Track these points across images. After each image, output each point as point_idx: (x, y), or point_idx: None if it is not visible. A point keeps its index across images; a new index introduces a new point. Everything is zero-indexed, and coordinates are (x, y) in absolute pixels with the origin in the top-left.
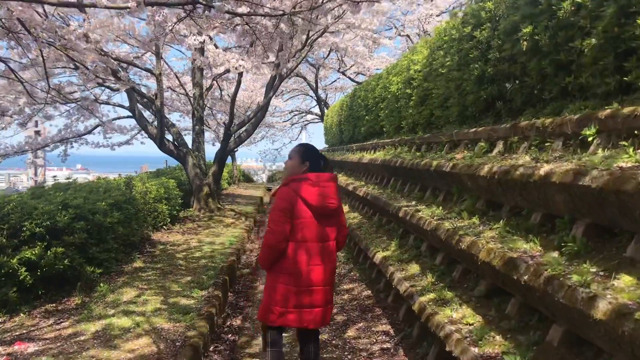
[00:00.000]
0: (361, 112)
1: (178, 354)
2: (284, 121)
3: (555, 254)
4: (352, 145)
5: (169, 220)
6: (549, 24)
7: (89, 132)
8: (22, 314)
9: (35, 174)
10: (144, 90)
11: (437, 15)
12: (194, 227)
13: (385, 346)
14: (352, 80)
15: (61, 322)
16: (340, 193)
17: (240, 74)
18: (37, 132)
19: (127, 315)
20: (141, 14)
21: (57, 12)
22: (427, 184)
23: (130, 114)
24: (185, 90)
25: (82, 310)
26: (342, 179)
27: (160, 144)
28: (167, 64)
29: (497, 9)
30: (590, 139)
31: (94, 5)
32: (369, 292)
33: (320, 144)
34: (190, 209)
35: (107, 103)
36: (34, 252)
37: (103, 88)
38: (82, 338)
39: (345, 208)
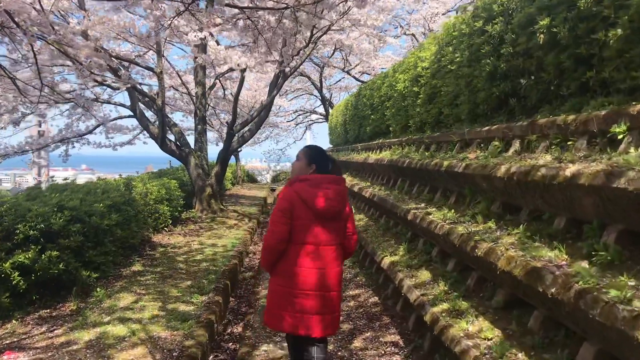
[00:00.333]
0: (367, 112)
1: None
2: (288, 121)
3: (585, 264)
4: (357, 145)
5: (170, 221)
6: (568, 16)
7: (90, 132)
8: (14, 321)
9: (39, 174)
10: (146, 89)
11: (443, 14)
12: (196, 229)
13: (394, 359)
14: (357, 79)
15: (54, 330)
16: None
17: (244, 71)
18: (41, 132)
19: (123, 323)
20: (139, 9)
21: (57, 10)
22: (437, 185)
23: (131, 114)
24: (187, 89)
25: (76, 317)
26: (348, 179)
27: (162, 143)
28: (169, 62)
29: (511, 2)
30: (620, 136)
31: None
32: (376, 298)
33: (324, 143)
34: (193, 210)
35: (108, 102)
36: (27, 256)
37: (104, 87)
38: (75, 347)
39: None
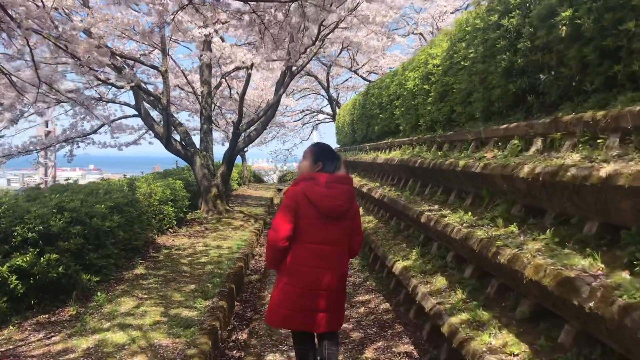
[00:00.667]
0: (375, 111)
1: None
2: (294, 121)
3: (626, 275)
4: (365, 145)
5: (175, 222)
6: (593, 6)
7: (95, 132)
8: (11, 326)
9: (46, 174)
10: (152, 89)
11: (452, 12)
12: (201, 230)
13: None
14: (364, 79)
15: (52, 337)
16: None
17: (250, 68)
18: (46, 132)
19: (123, 330)
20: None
21: (61, 8)
22: (452, 186)
23: (136, 113)
24: (193, 88)
25: (75, 323)
26: (356, 180)
27: (167, 143)
28: (174, 61)
29: None
30: None
31: None
32: (387, 305)
33: (332, 143)
34: (198, 211)
35: (113, 101)
36: (25, 259)
37: (109, 87)
38: (72, 356)
39: (359, 211)
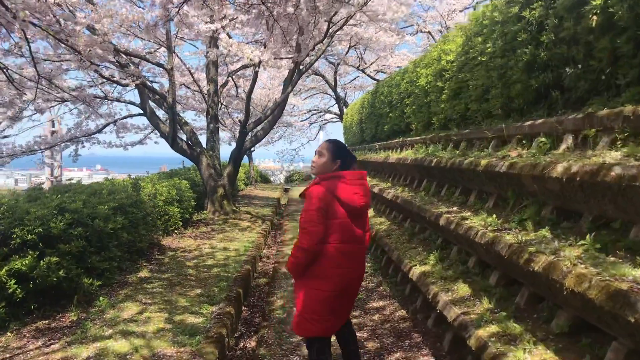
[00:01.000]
0: (384, 109)
1: None
2: (302, 120)
3: None
4: (374, 145)
5: (180, 224)
6: None
7: (99, 131)
8: (9, 333)
9: (52, 174)
10: (158, 88)
11: (460, 11)
12: (208, 231)
13: None
14: (372, 78)
15: (51, 344)
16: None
17: (258, 65)
18: (52, 132)
19: (125, 337)
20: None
21: (66, 5)
22: (471, 187)
23: (141, 112)
24: (199, 87)
25: (76, 329)
26: None
27: (173, 143)
28: (180, 58)
29: None
30: None
31: None
32: (403, 312)
33: None
34: (204, 212)
35: (118, 100)
36: (24, 263)
37: (114, 85)
38: None
39: (370, 212)
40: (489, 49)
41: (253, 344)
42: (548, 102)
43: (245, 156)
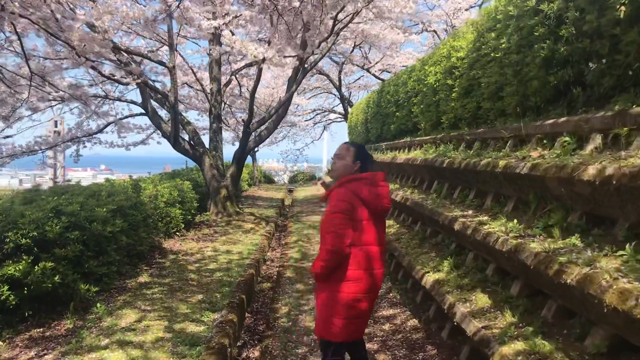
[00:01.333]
0: (391, 109)
1: None
2: (306, 120)
3: None
4: (380, 145)
5: (182, 226)
6: None
7: (101, 131)
8: (1, 342)
9: (55, 175)
10: (160, 87)
11: (466, 9)
12: (210, 234)
13: None
14: (377, 77)
15: (44, 355)
16: None
17: (263, 62)
18: (57, 132)
19: (122, 348)
20: None
21: (65, 1)
22: (487, 189)
23: (143, 111)
24: (202, 85)
25: (71, 338)
26: None
27: (175, 142)
28: (182, 57)
29: None
30: None
31: None
32: (416, 321)
33: None
34: (207, 213)
35: (119, 99)
36: (18, 268)
37: (116, 85)
38: None
39: None
40: (503, 45)
41: (257, 353)
42: (567, 99)
43: (248, 156)
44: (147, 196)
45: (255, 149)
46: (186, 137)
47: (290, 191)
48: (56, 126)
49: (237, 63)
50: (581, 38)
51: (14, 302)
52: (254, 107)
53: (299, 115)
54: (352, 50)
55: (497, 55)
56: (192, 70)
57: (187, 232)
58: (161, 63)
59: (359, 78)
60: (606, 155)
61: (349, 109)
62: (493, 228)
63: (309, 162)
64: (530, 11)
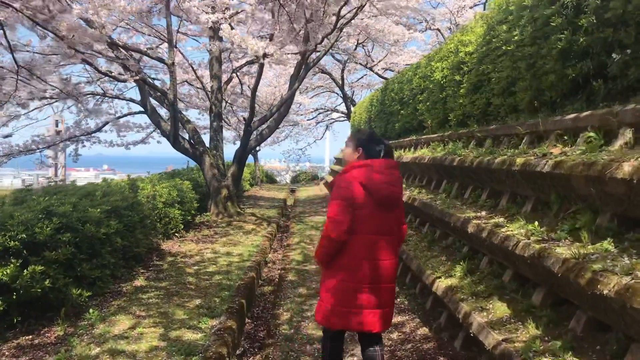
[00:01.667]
0: (395, 107)
1: None
2: (308, 119)
3: None
4: None
5: (182, 226)
6: None
7: (99, 130)
8: None
9: (56, 174)
10: (159, 85)
11: (471, 7)
12: (210, 235)
13: None
14: (380, 76)
15: None
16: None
17: (264, 57)
18: (57, 131)
19: (113, 357)
20: None
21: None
22: (501, 189)
23: (142, 110)
24: (202, 83)
25: (61, 347)
26: None
27: (174, 141)
28: (182, 54)
29: None
30: None
31: None
32: (426, 329)
33: None
34: (207, 214)
35: (117, 97)
36: (6, 272)
37: (115, 83)
38: None
39: None
40: (516, 37)
41: None
42: (586, 93)
43: (250, 156)
44: (145, 196)
45: (257, 148)
46: (186, 136)
47: (293, 191)
48: (57, 125)
49: (238, 61)
50: (602, 27)
51: (1, 308)
52: (256, 105)
53: (302, 115)
54: (356, 48)
55: (509, 48)
56: (192, 67)
57: (187, 233)
58: (160, 60)
59: (362, 77)
60: (639, 151)
61: (352, 108)
62: (512, 231)
63: (312, 162)
64: (546, 1)
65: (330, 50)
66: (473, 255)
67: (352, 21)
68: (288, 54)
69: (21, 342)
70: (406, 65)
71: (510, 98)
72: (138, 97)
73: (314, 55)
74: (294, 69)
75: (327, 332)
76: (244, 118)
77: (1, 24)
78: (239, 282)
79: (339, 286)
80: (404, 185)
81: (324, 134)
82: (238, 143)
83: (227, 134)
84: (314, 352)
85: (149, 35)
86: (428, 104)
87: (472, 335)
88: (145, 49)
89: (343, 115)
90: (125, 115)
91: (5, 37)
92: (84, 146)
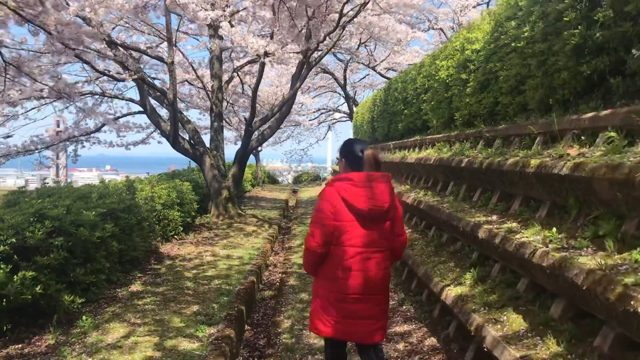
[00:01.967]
0: (398, 107)
1: None
2: (310, 119)
3: None
4: (388, 144)
5: (181, 228)
6: None
7: (98, 130)
8: None
9: (58, 175)
10: (159, 85)
11: (474, 7)
12: (210, 237)
13: None
14: (382, 76)
15: None
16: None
17: (265, 56)
18: (57, 131)
19: None
20: None
21: None
22: (513, 192)
23: (141, 110)
24: (202, 83)
25: (51, 356)
26: None
27: (174, 142)
28: (182, 53)
29: None
30: None
31: None
32: (434, 339)
33: None
34: (208, 215)
35: (116, 97)
36: None
37: (114, 82)
38: None
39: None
40: (526, 34)
41: None
42: (602, 91)
43: (252, 156)
44: (143, 198)
45: (259, 148)
46: (186, 137)
47: (295, 192)
48: (58, 125)
49: (239, 60)
50: (621, 22)
51: None
52: (257, 105)
53: (303, 115)
54: (358, 47)
55: (518, 45)
56: (192, 67)
57: (186, 236)
58: (159, 58)
59: (365, 77)
60: None
61: (354, 108)
62: (527, 237)
63: (314, 162)
64: None
65: (333, 50)
66: (483, 261)
67: (355, 19)
68: (290, 52)
69: (10, 352)
70: (409, 65)
71: (519, 97)
72: (137, 97)
73: (315, 54)
74: (296, 68)
75: (328, 340)
76: (245, 118)
77: None
78: (238, 287)
79: (323, 295)
80: (407, 187)
81: (326, 134)
82: (239, 143)
83: (228, 134)
84: None
85: (149, 34)
86: (432, 103)
87: (486, 349)
88: (145, 48)
89: (345, 115)
90: (124, 116)
91: None
92: (83, 147)
